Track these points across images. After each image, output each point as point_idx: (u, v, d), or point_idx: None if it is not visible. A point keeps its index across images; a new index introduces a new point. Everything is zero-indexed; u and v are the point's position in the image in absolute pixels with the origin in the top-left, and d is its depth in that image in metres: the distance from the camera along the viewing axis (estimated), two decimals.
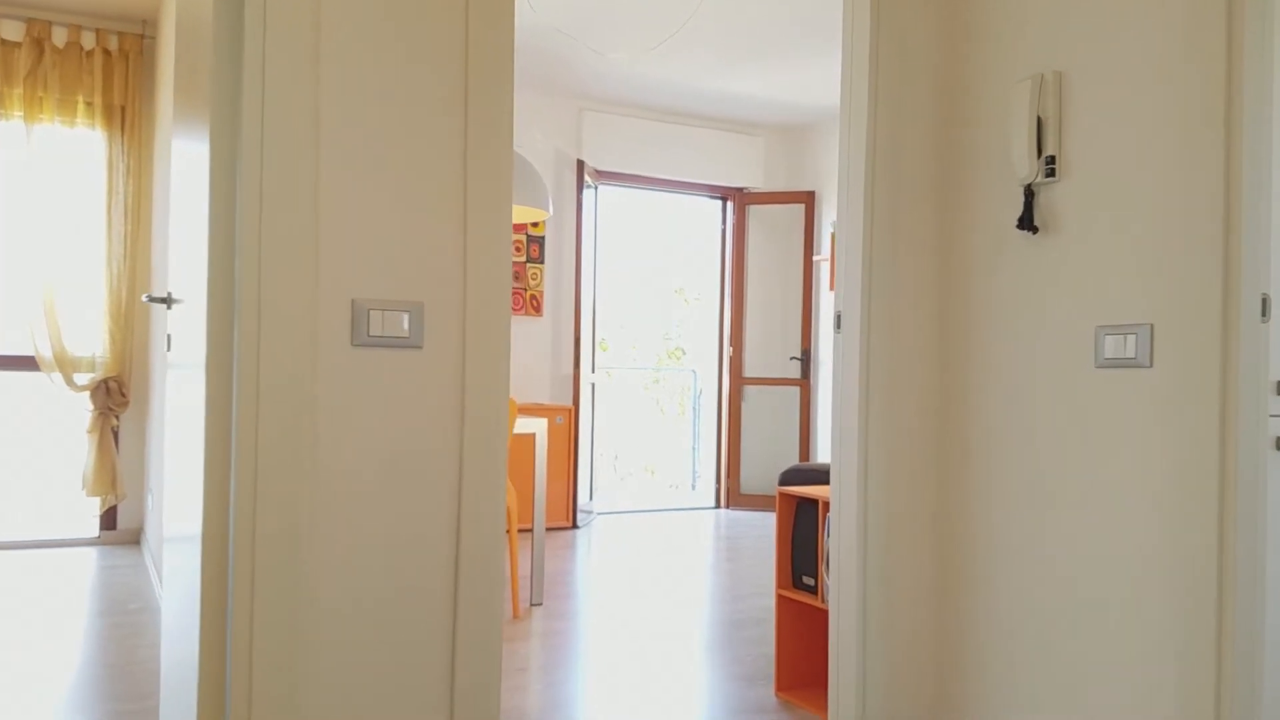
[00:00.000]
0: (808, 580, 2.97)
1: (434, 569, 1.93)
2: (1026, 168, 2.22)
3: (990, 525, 2.35)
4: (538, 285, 6.49)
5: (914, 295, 2.49)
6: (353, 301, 1.84)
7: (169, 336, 2.48)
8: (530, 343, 6.50)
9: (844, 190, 2.51)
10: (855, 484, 2.44)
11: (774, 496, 7.19)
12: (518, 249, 6.45)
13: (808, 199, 7.18)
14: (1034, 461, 2.25)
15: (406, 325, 1.88)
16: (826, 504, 2.82)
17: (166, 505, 2.42)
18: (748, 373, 7.33)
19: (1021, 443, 2.28)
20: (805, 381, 7.17)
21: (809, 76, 6.08)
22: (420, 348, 1.90)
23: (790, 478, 4.57)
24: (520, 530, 5.90)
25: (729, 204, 7.36)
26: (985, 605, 2.37)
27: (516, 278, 6.44)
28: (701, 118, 7.05)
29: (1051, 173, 2.20)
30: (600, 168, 6.74)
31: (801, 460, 7.16)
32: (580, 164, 6.54)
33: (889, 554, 2.47)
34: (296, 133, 1.79)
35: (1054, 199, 2.22)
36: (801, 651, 3.08)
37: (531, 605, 4.08)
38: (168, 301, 2.43)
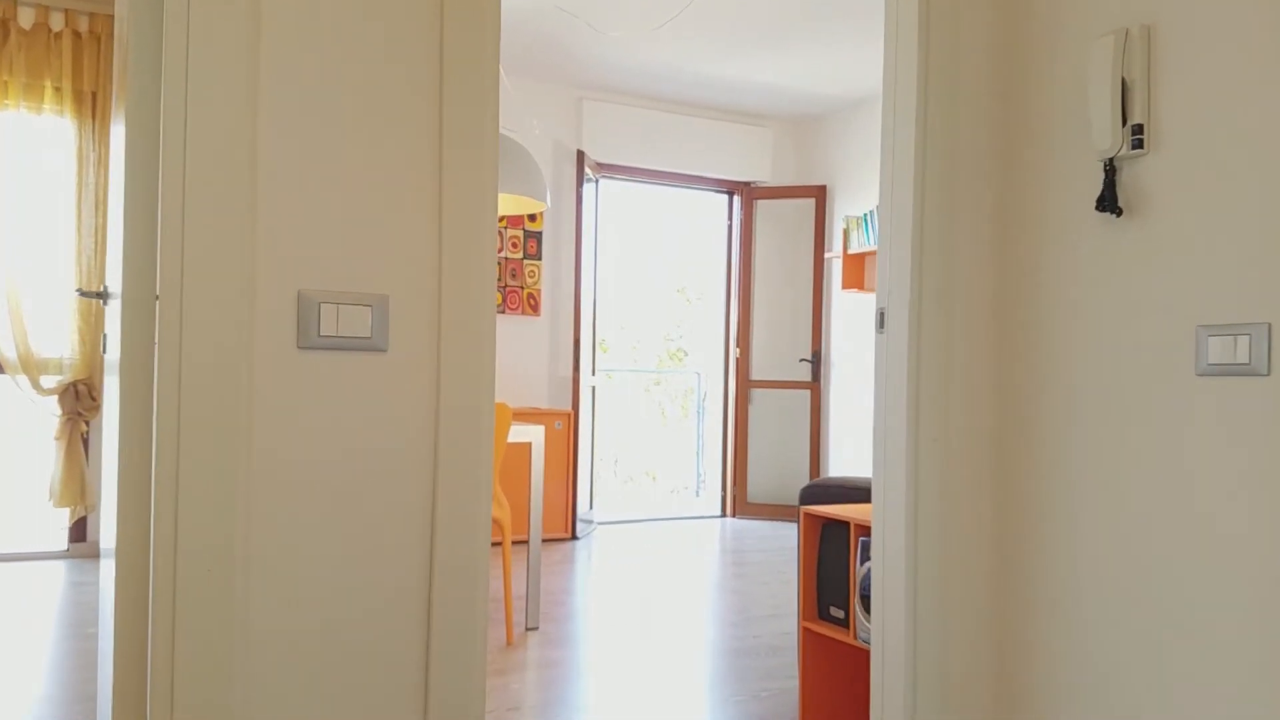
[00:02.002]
0: (836, 612, 2.63)
1: (402, 600, 1.60)
2: (1109, 139, 1.88)
3: (1068, 555, 2.01)
4: (535, 283, 6.17)
5: (972, 289, 2.15)
6: (299, 294, 1.49)
7: (104, 336, 2.16)
8: (527, 344, 6.18)
9: (888, 171, 2.17)
10: (902, 506, 2.11)
11: (782, 506, 6.86)
12: (514, 245, 6.12)
13: (819, 193, 6.85)
14: (1120, 482, 1.91)
15: (368, 323, 1.53)
16: (859, 526, 2.49)
17: (101, 519, 2.11)
18: (755, 375, 7.00)
19: (1105, 460, 1.94)
20: (816, 385, 6.85)
21: (822, 64, 5.77)
22: (384, 350, 1.55)
23: (813, 495, 4.21)
24: (515, 542, 5.57)
25: (736, 198, 7.04)
26: (1059, 646, 2.03)
27: (514, 275, 6.11)
28: (707, 108, 6.72)
29: (1139, 144, 1.86)
30: (601, 160, 6.41)
31: (812, 468, 6.84)
32: (580, 155, 6.22)
33: (942, 587, 2.14)
34: (229, 95, 1.45)
35: (1141, 175, 1.88)
36: (830, 692, 2.74)
37: (527, 629, 3.75)
38: (103, 297, 2.10)
